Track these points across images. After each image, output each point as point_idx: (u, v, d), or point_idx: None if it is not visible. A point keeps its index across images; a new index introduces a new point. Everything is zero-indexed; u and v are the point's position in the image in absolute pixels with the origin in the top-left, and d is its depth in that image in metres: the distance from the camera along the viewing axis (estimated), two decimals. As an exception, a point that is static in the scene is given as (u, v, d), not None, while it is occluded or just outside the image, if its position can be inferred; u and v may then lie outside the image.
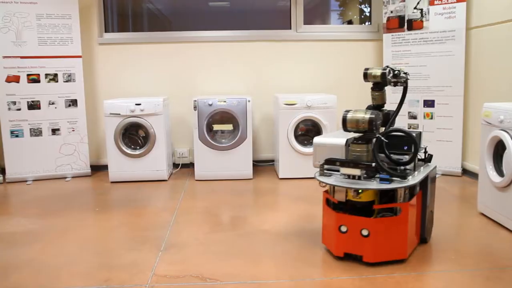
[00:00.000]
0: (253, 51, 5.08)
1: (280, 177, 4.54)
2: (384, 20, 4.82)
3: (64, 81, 4.67)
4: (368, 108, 2.71)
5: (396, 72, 2.60)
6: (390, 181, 2.38)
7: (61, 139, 4.69)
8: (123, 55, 5.00)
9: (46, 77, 4.63)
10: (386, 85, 2.62)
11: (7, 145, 4.58)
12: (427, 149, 2.81)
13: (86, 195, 4.08)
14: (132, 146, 4.53)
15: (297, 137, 4.54)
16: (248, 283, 2.33)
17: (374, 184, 2.38)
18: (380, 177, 2.41)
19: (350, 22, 5.63)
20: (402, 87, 2.66)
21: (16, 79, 4.56)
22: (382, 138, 2.43)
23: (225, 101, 4.43)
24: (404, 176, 2.41)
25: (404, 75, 2.63)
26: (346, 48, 5.11)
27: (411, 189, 2.54)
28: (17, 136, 4.60)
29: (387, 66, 2.61)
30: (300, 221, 3.26)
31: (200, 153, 4.49)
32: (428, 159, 2.77)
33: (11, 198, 4.07)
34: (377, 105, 2.71)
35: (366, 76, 2.64)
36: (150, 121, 4.42)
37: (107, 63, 5.01)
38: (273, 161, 5.16)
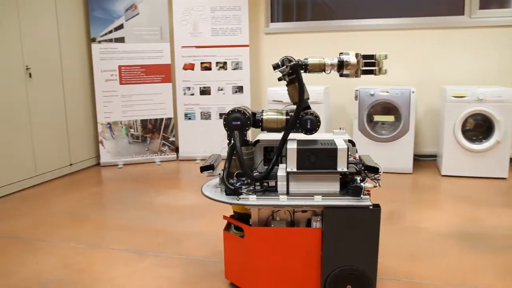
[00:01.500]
0: (419, 40, 4.81)
1: (442, 173, 4.27)
2: None
3: (232, 69, 4.99)
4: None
5: None
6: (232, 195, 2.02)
7: (227, 123, 5.02)
8: (287, 43, 5.15)
9: (216, 65, 4.99)
10: None
11: (181, 127, 5.07)
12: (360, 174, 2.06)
13: (247, 177, 4.32)
14: (291, 133, 4.66)
15: (464, 132, 4.21)
16: (403, 280, 2.25)
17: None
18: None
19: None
20: None
21: (191, 66, 5.01)
22: (237, 142, 2.02)
23: (387, 92, 4.30)
24: (236, 193, 2.00)
25: None
26: (530, 35, 4.56)
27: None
28: (189, 118, 5.06)
29: None
30: (462, 222, 3.04)
31: (359, 144, 4.43)
32: (355, 190, 1.96)
33: (182, 175, 4.51)
34: None
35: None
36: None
37: (271, 51, 5.21)
38: (435, 156, 4.87)
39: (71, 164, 4.71)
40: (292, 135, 2.12)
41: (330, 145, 1.95)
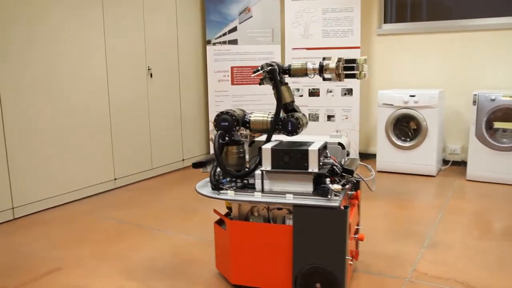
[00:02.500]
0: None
1: None
2: None
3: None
4: None
5: None
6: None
7: (335, 125, 4.98)
8: (400, 45, 4.97)
9: (326, 67, 4.97)
10: None
11: (289, 128, 5.12)
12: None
13: (353, 181, 4.25)
14: (403, 138, 4.49)
15: None
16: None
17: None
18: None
19: None
20: None
21: (301, 68, 5.03)
22: (216, 142, 2.15)
23: (511, 97, 3.97)
24: (217, 188, 2.14)
25: None
26: None
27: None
28: (297, 120, 5.09)
29: None
30: None
31: (475, 152, 4.14)
32: (323, 190, 1.99)
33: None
34: None
35: None
36: (424, 113, 4.29)
37: (383, 53, 5.06)
38: None
39: (183, 160, 4.98)
40: (282, 137, 2.30)
41: (303, 146, 2.03)
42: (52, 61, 3.56)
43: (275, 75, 2.18)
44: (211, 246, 2.77)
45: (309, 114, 5.04)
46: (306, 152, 1.98)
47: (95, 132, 3.93)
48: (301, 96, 5.04)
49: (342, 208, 1.95)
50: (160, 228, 3.11)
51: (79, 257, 2.65)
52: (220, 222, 2.35)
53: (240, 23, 5.07)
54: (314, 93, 5.02)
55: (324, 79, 2.21)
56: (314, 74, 2.20)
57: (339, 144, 2.25)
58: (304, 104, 5.04)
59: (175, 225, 3.17)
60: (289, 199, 2.01)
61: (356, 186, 2.32)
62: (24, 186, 3.42)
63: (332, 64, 2.15)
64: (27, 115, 3.41)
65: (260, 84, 2.25)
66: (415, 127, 4.43)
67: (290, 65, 2.22)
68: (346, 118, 4.96)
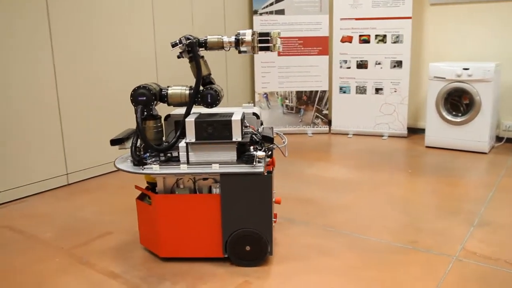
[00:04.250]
0: None
1: None
2: None
3: (391, 42, 4.78)
4: None
5: None
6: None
7: (383, 98, 4.87)
8: (454, 16, 4.75)
9: (375, 38, 4.83)
10: None
11: (335, 100, 5.05)
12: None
13: (401, 156, 4.17)
14: (454, 113, 4.34)
15: None
16: None
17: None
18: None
19: None
20: None
21: (349, 39, 4.92)
22: (138, 117, 2.14)
23: None
24: (141, 163, 2.15)
25: None
26: None
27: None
28: (344, 92, 5.01)
29: None
30: None
31: (531, 128, 3.97)
32: (248, 158, 2.10)
33: (334, 148, 4.51)
34: None
35: None
36: (477, 87, 4.12)
37: (436, 24, 4.86)
38: None
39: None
40: (200, 109, 2.29)
41: (226, 117, 2.10)
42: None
43: (194, 48, 2.21)
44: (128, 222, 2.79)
45: (356, 87, 4.94)
46: (229, 123, 2.07)
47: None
48: (349, 68, 4.94)
49: (266, 174, 2.09)
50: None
51: (130, 223, 2.74)
52: (141, 197, 2.36)
53: (288, -7, 4.98)
54: (362, 65, 4.91)
55: (239, 51, 2.28)
56: (230, 47, 2.27)
57: (254, 114, 2.33)
58: (351, 76, 4.95)
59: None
60: (216, 168, 2.08)
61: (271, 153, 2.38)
62: (78, 152, 3.54)
63: (248, 37, 2.23)
64: (80, 82, 3.51)
65: (178, 57, 2.26)
66: (468, 102, 4.27)
67: (206, 39, 2.25)
68: (395, 91, 4.83)
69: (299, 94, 5.12)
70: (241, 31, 2.25)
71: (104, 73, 3.67)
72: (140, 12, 3.90)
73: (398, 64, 4.79)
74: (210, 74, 2.30)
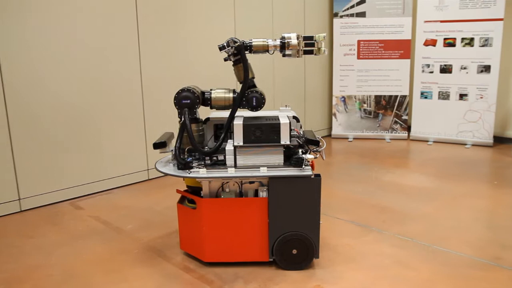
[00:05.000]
0: None
1: None
2: None
3: (479, 46, 4.55)
4: None
5: None
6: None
7: (468, 105, 4.64)
8: (553, 18, 4.43)
9: (462, 41, 4.62)
10: None
11: (416, 105, 4.89)
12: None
13: (485, 166, 3.96)
14: (546, 122, 4.05)
15: None
16: None
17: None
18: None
19: None
20: None
21: (433, 42, 4.74)
22: (186, 120, 2.13)
23: None
24: (187, 167, 2.12)
25: None
26: None
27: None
28: (425, 97, 4.83)
29: None
30: None
31: None
32: (297, 161, 2.09)
33: (413, 155, 4.37)
34: None
35: None
36: None
37: (531, 27, 4.55)
38: None
39: (305, 133, 5.01)
40: (240, 112, 2.25)
41: (274, 120, 2.10)
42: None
43: (242, 51, 2.18)
44: (335, 222, 2.78)
45: (438, 92, 4.75)
46: (278, 126, 2.07)
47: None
48: (431, 72, 4.76)
49: (314, 176, 2.08)
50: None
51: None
52: (182, 202, 2.31)
53: (369, -5, 4.89)
54: (445, 69, 4.71)
55: (284, 55, 2.26)
56: (274, 51, 2.25)
57: (294, 117, 2.30)
58: (433, 81, 4.76)
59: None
60: (264, 172, 2.07)
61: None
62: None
63: (294, 40, 2.21)
64: (163, 84, 3.67)
65: (225, 60, 2.22)
66: None
67: (251, 42, 2.22)
68: (481, 97, 4.58)
69: (377, 98, 5.00)
70: (285, 35, 2.24)
71: (187, 70, 3.81)
72: (222, 13, 4.00)
73: (486, 69, 4.54)
74: (253, 77, 2.27)
